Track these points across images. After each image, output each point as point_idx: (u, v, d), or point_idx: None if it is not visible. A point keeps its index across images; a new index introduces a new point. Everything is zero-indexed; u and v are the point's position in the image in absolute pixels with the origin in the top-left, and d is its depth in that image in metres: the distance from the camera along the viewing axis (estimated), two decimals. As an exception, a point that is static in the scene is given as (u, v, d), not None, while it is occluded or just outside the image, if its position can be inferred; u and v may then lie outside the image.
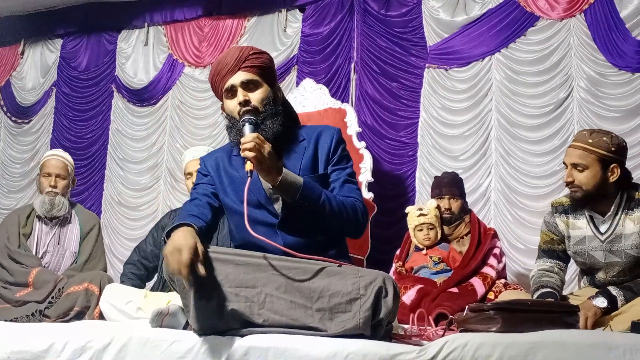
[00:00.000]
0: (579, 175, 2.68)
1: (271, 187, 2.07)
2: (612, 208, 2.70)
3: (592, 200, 2.71)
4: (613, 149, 2.65)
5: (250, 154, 1.98)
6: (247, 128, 2.10)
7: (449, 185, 3.95)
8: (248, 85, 2.20)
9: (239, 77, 2.20)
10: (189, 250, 1.85)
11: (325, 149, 2.26)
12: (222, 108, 2.30)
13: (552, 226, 2.89)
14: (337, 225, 2.17)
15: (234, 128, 2.22)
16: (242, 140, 2.02)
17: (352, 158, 2.36)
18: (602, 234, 2.73)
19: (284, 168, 2.06)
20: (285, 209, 2.15)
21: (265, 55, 2.30)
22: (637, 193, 2.70)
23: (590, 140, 2.68)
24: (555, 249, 2.89)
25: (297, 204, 2.07)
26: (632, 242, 2.66)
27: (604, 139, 2.67)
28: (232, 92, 2.21)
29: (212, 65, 2.30)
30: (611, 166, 2.66)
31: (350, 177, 2.27)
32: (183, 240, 1.89)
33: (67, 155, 3.89)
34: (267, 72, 2.27)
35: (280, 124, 2.19)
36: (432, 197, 4.04)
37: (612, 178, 2.65)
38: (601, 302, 2.51)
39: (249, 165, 2.00)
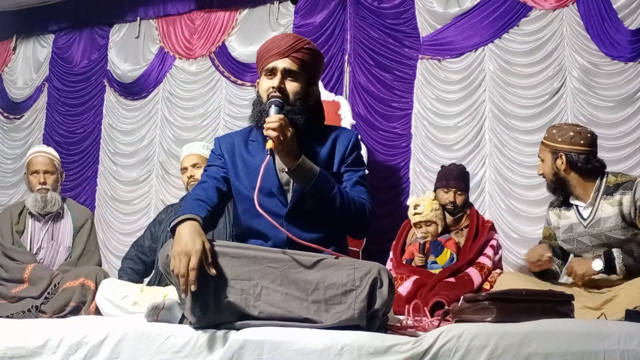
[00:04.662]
0: (542, 167, 2.99)
1: (287, 170, 2.09)
2: (592, 195, 2.87)
3: (560, 189, 2.95)
4: (559, 139, 2.91)
5: (274, 133, 2.01)
6: (273, 109, 2.13)
7: (457, 179, 3.90)
8: (288, 74, 2.23)
9: (284, 63, 2.23)
10: (197, 254, 1.86)
11: (341, 149, 2.29)
12: (257, 83, 2.34)
13: (548, 222, 3.10)
14: (344, 221, 2.19)
15: (258, 107, 2.24)
16: (267, 119, 2.06)
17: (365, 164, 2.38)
18: (584, 219, 2.89)
19: (302, 155, 2.08)
20: (296, 199, 2.17)
21: (317, 54, 2.33)
22: (614, 179, 2.86)
23: (545, 135, 3.00)
24: (552, 245, 3.04)
25: (309, 192, 2.09)
26: (610, 225, 2.80)
27: (554, 131, 2.95)
28: (272, 73, 2.24)
29: (266, 41, 2.33)
30: (558, 155, 2.90)
31: (362, 179, 2.29)
32: (191, 242, 1.89)
33: (51, 150, 3.87)
34: (311, 69, 2.29)
35: (302, 122, 2.20)
36: (437, 187, 3.97)
37: (561, 166, 2.89)
38: (597, 266, 2.72)
39: (269, 144, 2.02)
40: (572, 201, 2.94)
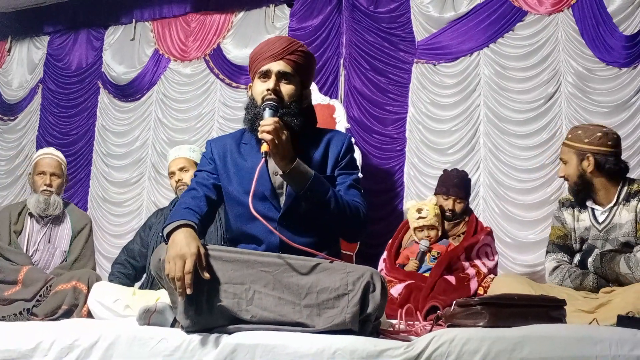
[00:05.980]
0: (566, 169, 2.92)
1: (282, 173, 2.07)
2: (614, 200, 2.83)
3: (584, 191, 2.88)
4: (586, 140, 2.85)
5: (268, 137, 2.00)
6: (267, 112, 2.11)
7: (458, 187, 3.87)
8: (283, 77, 2.22)
9: (279, 65, 2.22)
10: (192, 258, 1.87)
11: (335, 152, 2.28)
12: (249, 87, 2.33)
13: (562, 220, 3.02)
14: (338, 224, 2.18)
15: (252, 110, 2.23)
16: (262, 122, 2.05)
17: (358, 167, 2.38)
18: (599, 223, 2.86)
19: (297, 158, 2.07)
20: (289, 204, 2.16)
21: (310, 57, 2.33)
22: (636, 185, 2.82)
23: (569, 136, 2.94)
24: (567, 245, 2.99)
25: (304, 195, 2.08)
26: (625, 230, 2.77)
27: (579, 132, 2.90)
28: (266, 76, 2.22)
29: (259, 44, 2.32)
30: (585, 156, 2.84)
31: (356, 182, 2.28)
32: (186, 246, 1.90)
33: (60, 154, 3.85)
34: (305, 72, 2.29)
35: (298, 124, 2.19)
36: (437, 192, 3.95)
37: (588, 168, 2.83)
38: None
39: (264, 147, 2.01)
40: (590, 205, 2.90)
